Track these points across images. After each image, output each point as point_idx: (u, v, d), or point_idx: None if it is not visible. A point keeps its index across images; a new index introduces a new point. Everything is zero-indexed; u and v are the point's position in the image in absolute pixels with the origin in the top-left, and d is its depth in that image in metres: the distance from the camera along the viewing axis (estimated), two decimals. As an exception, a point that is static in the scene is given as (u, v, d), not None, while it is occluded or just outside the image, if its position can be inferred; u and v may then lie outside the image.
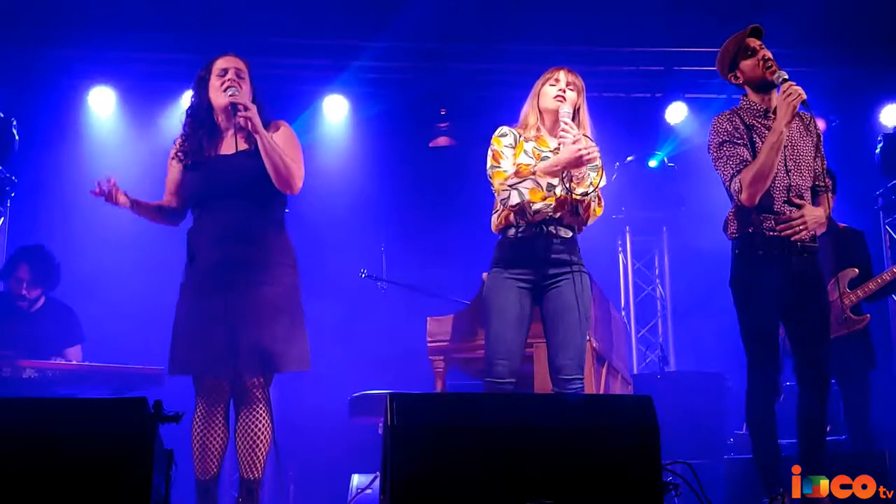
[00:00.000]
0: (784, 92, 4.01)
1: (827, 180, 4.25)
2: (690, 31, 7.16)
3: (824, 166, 4.24)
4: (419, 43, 7.33)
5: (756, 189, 4.06)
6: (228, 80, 3.95)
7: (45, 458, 2.67)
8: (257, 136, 3.85)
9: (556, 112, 4.02)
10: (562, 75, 4.10)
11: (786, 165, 4.11)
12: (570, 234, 4.02)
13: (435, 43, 7.36)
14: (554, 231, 3.97)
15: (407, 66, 7.58)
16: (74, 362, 5.39)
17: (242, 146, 3.92)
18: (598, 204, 4.05)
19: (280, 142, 3.92)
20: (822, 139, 4.28)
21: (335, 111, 7.67)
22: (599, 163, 4.03)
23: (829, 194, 4.29)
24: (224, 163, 3.92)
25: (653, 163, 8.10)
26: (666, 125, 7.89)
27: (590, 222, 4.07)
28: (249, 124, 3.83)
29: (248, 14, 6.84)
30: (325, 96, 7.61)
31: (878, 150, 7.18)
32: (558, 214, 3.97)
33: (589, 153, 3.86)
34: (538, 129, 4.10)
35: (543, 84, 4.12)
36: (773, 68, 4.10)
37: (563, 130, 3.92)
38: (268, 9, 6.85)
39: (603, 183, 4.05)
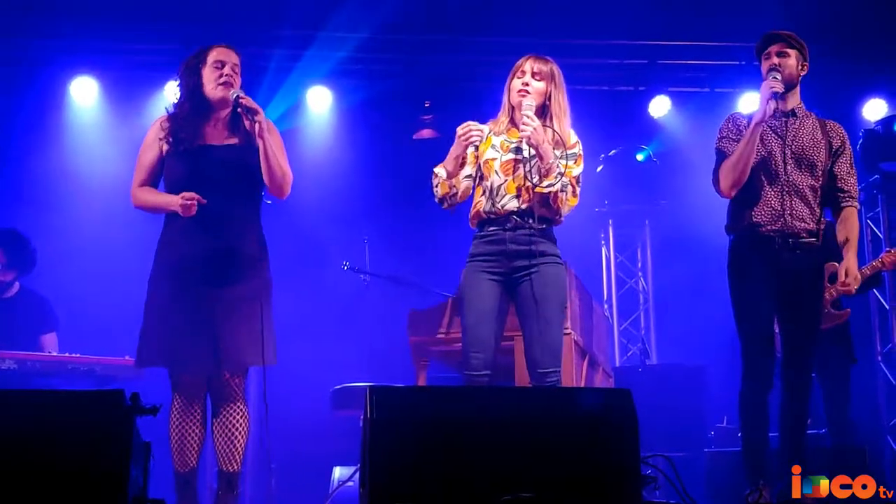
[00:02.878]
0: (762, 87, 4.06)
1: (850, 189, 4.20)
2: (674, 24, 7.16)
3: (846, 173, 4.21)
4: (403, 34, 7.31)
5: (729, 180, 4.08)
6: (226, 75, 3.89)
7: (21, 451, 2.66)
8: (261, 141, 3.81)
9: (520, 106, 3.96)
10: (528, 65, 4.00)
11: (784, 162, 4.12)
12: (544, 225, 3.96)
13: (419, 34, 7.34)
14: (526, 223, 3.92)
15: (391, 57, 7.55)
16: (54, 353, 5.35)
17: (231, 139, 3.92)
18: (573, 194, 3.97)
19: (275, 145, 3.91)
20: (845, 148, 4.23)
21: (319, 102, 7.62)
22: (578, 150, 4.01)
23: (854, 203, 4.21)
24: (213, 153, 3.89)
25: (640, 157, 8.10)
26: (649, 119, 7.88)
27: (564, 213, 3.99)
28: (257, 128, 3.79)
29: (231, 4, 6.80)
30: (309, 87, 7.57)
31: (858, 146, 7.20)
32: (527, 206, 3.92)
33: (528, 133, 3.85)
34: (509, 122, 4.06)
35: (512, 77, 4.04)
36: (773, 75, 4.10)
37: (523, 123, 3.88)
38: (251, -1, 6.84)
39: (576, 172, 3.98)
